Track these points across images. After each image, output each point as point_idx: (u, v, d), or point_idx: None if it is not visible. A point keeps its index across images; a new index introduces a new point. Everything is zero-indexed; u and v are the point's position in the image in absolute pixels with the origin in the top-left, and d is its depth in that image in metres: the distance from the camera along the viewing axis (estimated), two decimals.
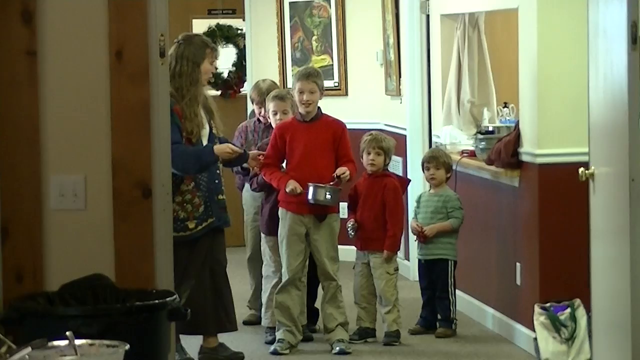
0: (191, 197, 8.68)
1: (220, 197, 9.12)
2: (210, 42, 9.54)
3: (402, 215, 9.97)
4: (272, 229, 9.82)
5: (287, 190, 9.13)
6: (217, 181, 8.90)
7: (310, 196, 9.04)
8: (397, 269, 9.82)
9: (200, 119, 9.03)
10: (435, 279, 9.90)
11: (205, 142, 8.86)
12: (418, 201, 10.30)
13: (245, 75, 13.85)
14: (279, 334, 9.25)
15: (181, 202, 8.68)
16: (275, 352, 9.19)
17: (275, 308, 9.31)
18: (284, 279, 9.34)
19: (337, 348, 9.34)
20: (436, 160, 9.98)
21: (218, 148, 8.77)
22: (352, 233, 9.83)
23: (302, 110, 9.41)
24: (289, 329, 9.22)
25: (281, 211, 9.37)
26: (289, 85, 12.64)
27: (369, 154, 9.86)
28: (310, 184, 8.98)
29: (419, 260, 10.15)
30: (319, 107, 9.63)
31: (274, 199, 9.81)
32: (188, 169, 8.51)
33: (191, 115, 8.86)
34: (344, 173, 9.12)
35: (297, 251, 9.28)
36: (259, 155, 9.17)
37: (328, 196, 9.05)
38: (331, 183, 9.18)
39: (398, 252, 10.09)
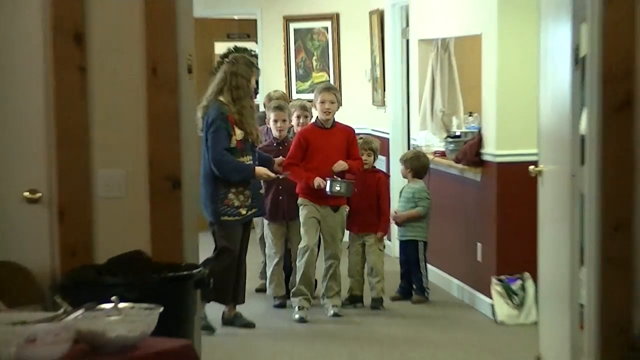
0: (243, 189, 8.73)
1: (261, 191, 9.24)
2: (255, 63, 9.59)
3: (390, 203, 10.02)
4: (274, 215, 9.83)
5: (315, 185, 9.09)
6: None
7: (328, 189, 9.02)
8: (384, 247, 9.86)
9: (253, 123, 9.06)
10: (410, 256, 9.94)
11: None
12: (400, 192, 10.32)
13: (258, 87, 13.85)
14: (299, 302, 9.26)
15: (236, 193, 8.74)
16: (302, 320, 9.13)
17: (299, 281, 9.30)
18: (304, 254, 9.30)
19: (332, 312, 9.34)
20: (406, 160, 10.13)
21: (258, 171, 8.88)
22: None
23: (323, 117, 9.31)
24: (307, 297, 9.22)
25: (303, 200, 9.34)
26: (294, 96, 12.65)
27: (361, 154, 9.86)
28: (328, 178, 8.97)
29: (399, 241, 10.16)
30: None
31: (273, 191, 9.80)
32: (230, 178, 8.59)
33: (246, 120, 8.86)
34: (340, 165, 9.14)
35: (314, 230, 9.29)
36: (280, 163, 9.17)
37: (342, 189, 9.04)
38: (350, 180, 9.19)
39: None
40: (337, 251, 9.48)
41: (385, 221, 9.88)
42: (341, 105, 9.61)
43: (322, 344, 8.46)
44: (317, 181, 9.03)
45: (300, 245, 9.32)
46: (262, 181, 9.30)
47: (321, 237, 9.57)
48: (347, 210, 9.66)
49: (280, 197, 9.56)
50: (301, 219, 9.35)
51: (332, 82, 12.99)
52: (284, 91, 12.34)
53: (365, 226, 9.77)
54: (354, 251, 9.85)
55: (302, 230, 9.38)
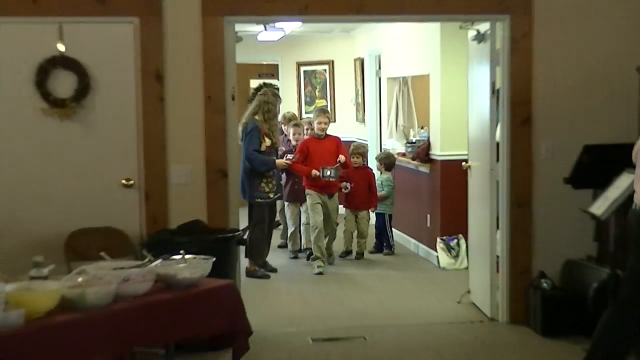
0: (271, 180, 8.68)
1: (281, 181, 9.20)
2: (278, 94, 9.61)
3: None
4: (291, 198, 9.58)
5: (312, 175, 8.88)
6: (279, 172, 9.03)
7: (321, 174, 8.83)
8: (370, 219, 9.80)
9: (277, 135, 9.06)
10: (381, 223, 9.91)
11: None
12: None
13: (279, 110, 13.84)
14: (318, 263, 8.90)
15: (266, 182, 8.66)
16: (320, 273, 8.81)
17: (315, 249, 8.98)
18: (315, 230, 8.97)
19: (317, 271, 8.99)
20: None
21: (278, 162, 8.85)
22: (346, 190, 9.61)
23: (318, 132, 9.09)
24: (322, 259, 8.92)
25: (308, 190, 9.08)
26: (304, 115, 12.60)
27: (353, 157, 9.73)
28: (320, 167, 8.80)
29: (374, 213, 10.11)
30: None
31: (291, 182, 9.52)
32: (259, 169, 8.53)
33: (273, 133, 8.85)
34: (342, 158, 8.99)
35: (320, 212, 8.99)
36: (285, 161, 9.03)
37: (332, 173, 8.78)
38: (335, 166, 8.92)
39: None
40: (334, 223, 9.26)
41: (375, 199, 9.74)
42: (332, 121, 9.62)
43: (323, 283, 8.44)
44: (314, 171, 8.86)
45: (311, 224, 9.07)
46: (282, 174, 9.25)
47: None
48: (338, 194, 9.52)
49: (296, 187, 9.45)
50: (308, 204, 9.14)
51: (328, 106, 12.90)
52: (296, 112, 12.31)
53: (359, 205, 9.67)
54: (349, 221, 9.74)
55: (310, 213, 9.12)
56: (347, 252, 9.75)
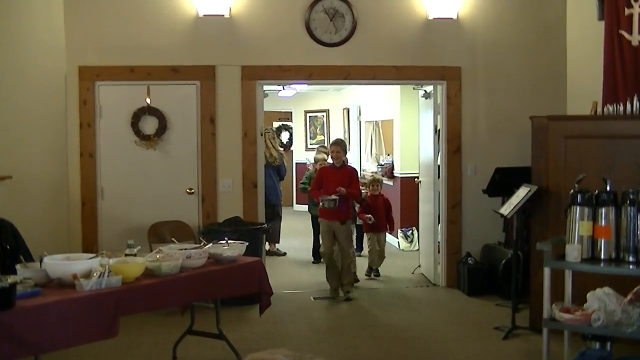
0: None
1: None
2: (277, 134, 9.30)
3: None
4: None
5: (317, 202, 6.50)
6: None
7: (320, 203, 6.32)
8: (385, 239, 7.68)
9: (273, 154, 8.26)
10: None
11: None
12: None
13: (292, 143, 13.80)
14: (330, 289, 6.47)
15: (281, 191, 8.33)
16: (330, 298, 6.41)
17: (326, 274, 6.51)
18: (323, 253, 6.45)
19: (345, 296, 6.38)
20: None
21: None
22: (370, 222, 7.33)
23: (334, 161, 6.57)
24: (333, 287, 6.44)
25: (320, 219, 6.48)
26: (308, 146, 12.53)
27: (372, 186, 7.57)
28: (320, 196, 6.32)
29: None
30: (346, 159, 6.79)
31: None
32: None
33: (275, 157, 8.27)
34: (340, 189, 6.21)
35: (329, 239, 6.35)
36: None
37: (326, 203, 6.21)
38: (332, 196, 6.24)
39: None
40: (346, 252, 6.41)
41: (392, 223, 7.55)
42: (346, 153, 6.78)
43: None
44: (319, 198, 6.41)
45: (321, 250, 6.57)
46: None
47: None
48: (351, 224, 6.71)
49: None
50: (321, 234, 6.63)
51: (324, 141, 12.53)
52: (302, 144, 12.18)
53: (378, 228, 7.34)
54: (371, 243, 7.33)
55: (321, 239, 6.63)
56: (371, 269, 7.36)
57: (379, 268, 7.39)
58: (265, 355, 2.36)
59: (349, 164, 6.76)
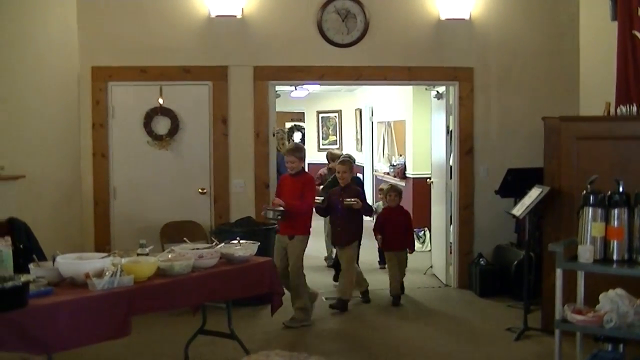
0: None
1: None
2: (288, 135, 9.38)
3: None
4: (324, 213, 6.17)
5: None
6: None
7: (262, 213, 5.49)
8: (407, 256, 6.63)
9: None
10: None
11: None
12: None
13: (304, 143, 13.81)
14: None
15: None
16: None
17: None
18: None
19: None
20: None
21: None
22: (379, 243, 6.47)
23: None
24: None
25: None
26: (321, 146, 12.58)
27: (390, 195, 6.40)
28: (264, 206, 5.56)
29: None
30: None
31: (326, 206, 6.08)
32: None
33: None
34: (279, 202, 5.32)
35: (280, 259, 5.38)
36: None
37: (269, 213, 5.29)
38: (276, 207, 5.27)
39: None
40: (292, 275, 5.36)
41: (412, 241, 6.44)
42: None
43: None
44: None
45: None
46: None
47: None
48: (303, 240, 5.43)
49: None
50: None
51: (337, 141, 12.62)
52: (315, 145, 12.23)
53: (398, 245, 6.32)
54: (393, 265, 6.29)
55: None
56: (397, 297, 6.23)
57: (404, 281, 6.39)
58: (260, 357, 2.39)
59: (306, 172, 5.62)
